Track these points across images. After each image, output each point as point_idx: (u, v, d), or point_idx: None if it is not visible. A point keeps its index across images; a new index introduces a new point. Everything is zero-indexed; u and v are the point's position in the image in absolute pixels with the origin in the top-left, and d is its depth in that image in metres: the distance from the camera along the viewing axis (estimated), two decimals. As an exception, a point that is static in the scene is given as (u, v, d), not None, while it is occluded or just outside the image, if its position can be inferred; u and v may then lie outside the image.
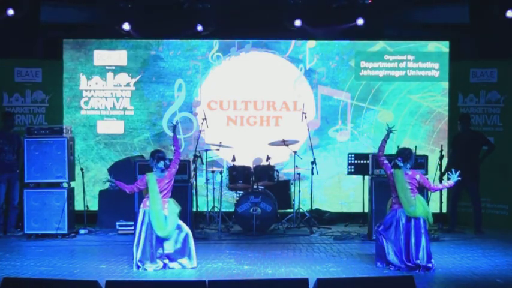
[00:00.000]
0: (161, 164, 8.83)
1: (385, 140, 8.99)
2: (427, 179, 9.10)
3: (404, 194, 8.69)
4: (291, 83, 13.00)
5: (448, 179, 10.64)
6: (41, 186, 11.33)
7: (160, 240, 8.78)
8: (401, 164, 8.74)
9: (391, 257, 8.70)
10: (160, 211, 8.72)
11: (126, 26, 12.70)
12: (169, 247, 8.82)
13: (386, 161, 8.90)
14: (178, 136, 9.53)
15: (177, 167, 9.00)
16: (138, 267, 8.71)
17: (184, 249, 8.85)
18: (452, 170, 8.97)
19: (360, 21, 12.60)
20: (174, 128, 9.26)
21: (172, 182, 8.94)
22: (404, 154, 8.80)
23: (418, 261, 8.61)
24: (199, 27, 12.73)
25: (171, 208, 8.81)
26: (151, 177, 8.81)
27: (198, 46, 12.99)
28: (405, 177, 8.71)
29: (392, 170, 8.80)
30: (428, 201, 9.93)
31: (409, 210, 8.70)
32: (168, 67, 12.99)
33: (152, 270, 8.67)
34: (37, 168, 11.20)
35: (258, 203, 11.34)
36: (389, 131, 9.01)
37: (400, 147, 9.36)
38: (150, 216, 8.73)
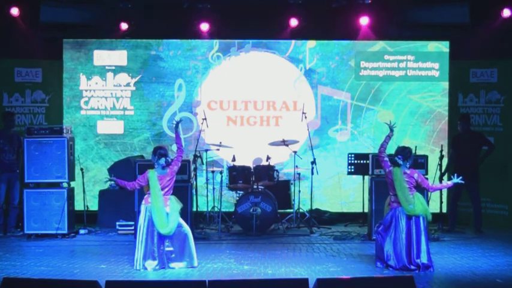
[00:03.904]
0: (162, 161, 8.82)
1: (389, 137, 8.97)
2: (426, 178, 9.10)
3: (402, 192, 8.70)
4: (291, 83, 12.99)
5: (450, 179, 10.67)
6: (41, 186, 11.33)
7: (162, 238, 8.78)
8: (401, 162, 8.73)
9: (391, 261, 8.69)
10: (161, 208, 8.71)
11: (124, 26, 12.72)
12: (170, 245, 8.82)
13: (386, 158, 8.89)
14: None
15: (179, 164, 8.99)
16: (138, 269, 8.71)
17: (184, 249, 8.85)
18: (455, 174, 8.95)
19: (365, 21, 12.60)
20: (176, 126, 9.22)
21: (174, 179, 8.93)
22: (405, 152, 8.80)
23: (419, 261, 8.61)
24: (206, 26, 12.73)
25: (173, 205, 8.81)
26: (153, 174, 8.81)
27: (198, 46, 12.99)
28: (403, 176, 8.71)
29: (391, 168, 8.80)
30: (428, 201, 9.94)
31: (407, 208, 8.70)
32: (168, 67, 12.99)
33: (151, 270, 8.68)
34: (37, 168, 11.20)
35: (258, 203, 11.34)
36: (391, 127, 9.00)
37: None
38: (151, 213, 8.73)
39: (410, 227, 8.72)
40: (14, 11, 12.40)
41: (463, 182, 8.95)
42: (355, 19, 12.69)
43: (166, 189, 8.82)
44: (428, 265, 8.64)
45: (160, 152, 8.88)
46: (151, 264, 8.73)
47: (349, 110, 12.94)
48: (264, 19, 12.50)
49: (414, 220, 8.73)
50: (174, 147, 12.23)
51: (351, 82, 12.93)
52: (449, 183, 9.03)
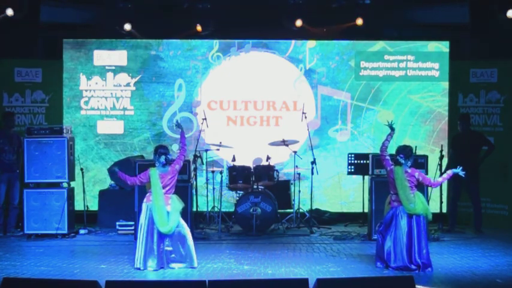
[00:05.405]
0: (162, 159, 8.84)
1: (390, 135, 9.00)
2: (427, 176, 9.10)
3: (403, 191, 8.69)
4: (291, 83, 12.99)
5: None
6: (41, 186, 11.33)
7: (162, 236, 8.78)
8: (403, 161, 8.74)
9: (392, 260, 8.68)
10: (162, 207, 8.71)
11: (127, 27, 12.70)
12: (170, 244, 8.81)
13: (388, 157, 8.91)
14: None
15: (182, 164, 9.01)
16: (138, 267, 8.72)
17: (184, 249, 8.84)
18: (458, 166, 8.91)
19: (360, 22, 12.59)
20: (179, 126, 9.28)
21: (176, 178, 8.93)
22: (406, 151, 8.81)
23: (419, 260, 8.62)
24: (199, 27, 12.74)
25: (174, 204, 8.82)
26: (154, 172, 8.81)
27: (198, 46, 12.99)
28: (404, 175, 8.71)
29: (392, 166, 8.80)
30: (428, 201, 9.94)
31: (408, 207, 8.70)
32: (168, 67, 12.98)
33: (151, 269, 8.67)
34: (37, 168, 11.20)
35: (258, 203, 11.34)
36: (391, 126, 9.01)
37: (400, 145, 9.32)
38: (152, 211, 8.73)
39: (411, 226, 8.72)
40: (13, 11, 12.37)
41: (463, 173, 8.89)
42: (355, 19, 12.68)
43: (167, 188, 8.83)
44: (428, 264, 8.65)
45: (160, 150, 8.92)
46: (151, 262, 8.72)
47: (349, 110, 12.94)
48: (264, 19, 12.51)
49: (415, 219, 8.73)
50: (174, 147, 12.30)
51: (351, 82, 12.93)
52: (449, 172, 8.98)
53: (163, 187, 8.79)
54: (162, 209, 8.72)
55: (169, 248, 8.82)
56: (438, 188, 11.52)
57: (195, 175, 11.80)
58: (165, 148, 9.02)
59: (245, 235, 11.30)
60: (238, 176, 11.69)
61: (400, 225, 8.74)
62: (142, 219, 8.83)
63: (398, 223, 8.75)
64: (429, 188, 10.82)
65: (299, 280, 6.78)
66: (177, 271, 8.72)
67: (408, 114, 12.88)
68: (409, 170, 8.78)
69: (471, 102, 12.67)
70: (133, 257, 8.89)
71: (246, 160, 12.24)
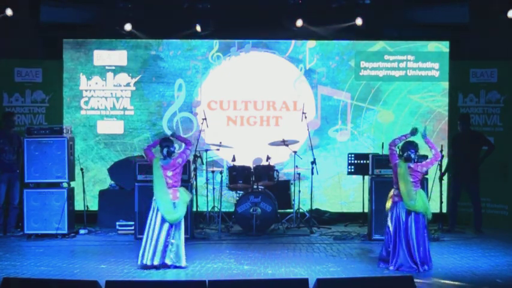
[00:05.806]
0: (164, 151, 8.93)
1: (405, 136, 9.03)
2: (425, 162, 9.09)
3: (405, 187, 8.70)
4: (291, 83, 12.99)
5: (450, 179, 10.64)
6: (41, 186, 11.33)
7: (169, 231, 8.79)
8: (413, 156, 8.76)
9: (393, 260, 8.68)
10: (164, 195, 8.75)
11: (127, 27, 12.68)
12: (174, 237, 8.82)
13: (395, 152, 8.93)
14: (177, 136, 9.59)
15: (185, 157, 9.02)
16: (144, 263, 8.73)
17: (180, 246, 8.88)
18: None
19: (359, 22, 12.58)
20: (173, 134, 9.44)
21: (179, 171, 8.95)
22: (413, 145, 8.85)
23: (418, 258, 8.63)
24: (198, 27, 12.73)
25: (182, 196, 8.88)
26: (156, 162, 8.89)
27: (198, 46, 12.99)
28: (408, 170, 8.71)
29: (397, 161, 8.81)
30: (428, 200, 9.94)
31: (408, 203, 8.71)
32: (168, 67, 12.98)
33: (155, 263, 8.69)
34: (37, 168, 11.20)
35: (258, 203, 11.34)
36: (414, 131, 9.04)
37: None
38: (157, 202, 8.74)
39: (410, 224, 8.72)
40: (13, 11, 12.37)
41: (423, 129, 9.04)
42: (355, 19, 12.68)
43: (172, 182, 8.85)
44: (426, 262, 8.66)
45: (162, 143, 9.03)
46: (155, 256, 8.72)
47: (349, 110, 12.94)
48: (264, 19, 12.50)
49: (414, 217, 8.73)
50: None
51: (351, 82, 12.93)
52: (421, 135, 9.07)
53: (167, 179, 8.81)
54: (164, 196, 8.76)
55: (174, 241, 8.81)
56: (438, 188, 11.57)
57: (195, 175, 11.81)
58: (168, 141, 9.06)
59: (245, 235, 11.30)
60: (238, 176, 11.69)
61: (400, 223, 8.74)
62: (153, 215, 8.85)
63: (399, 221, 8.75)
64: (429, 188, 10.83)
65: (299, 280, 6.78)
66: (177, 271, 8.72)
67: (408, 114, 12.88)
68: (413, 166, 8.78)
69: (471, 102, 12.67)
70: (133, 256, 8.90)
71: (246, 160, 12.24)
